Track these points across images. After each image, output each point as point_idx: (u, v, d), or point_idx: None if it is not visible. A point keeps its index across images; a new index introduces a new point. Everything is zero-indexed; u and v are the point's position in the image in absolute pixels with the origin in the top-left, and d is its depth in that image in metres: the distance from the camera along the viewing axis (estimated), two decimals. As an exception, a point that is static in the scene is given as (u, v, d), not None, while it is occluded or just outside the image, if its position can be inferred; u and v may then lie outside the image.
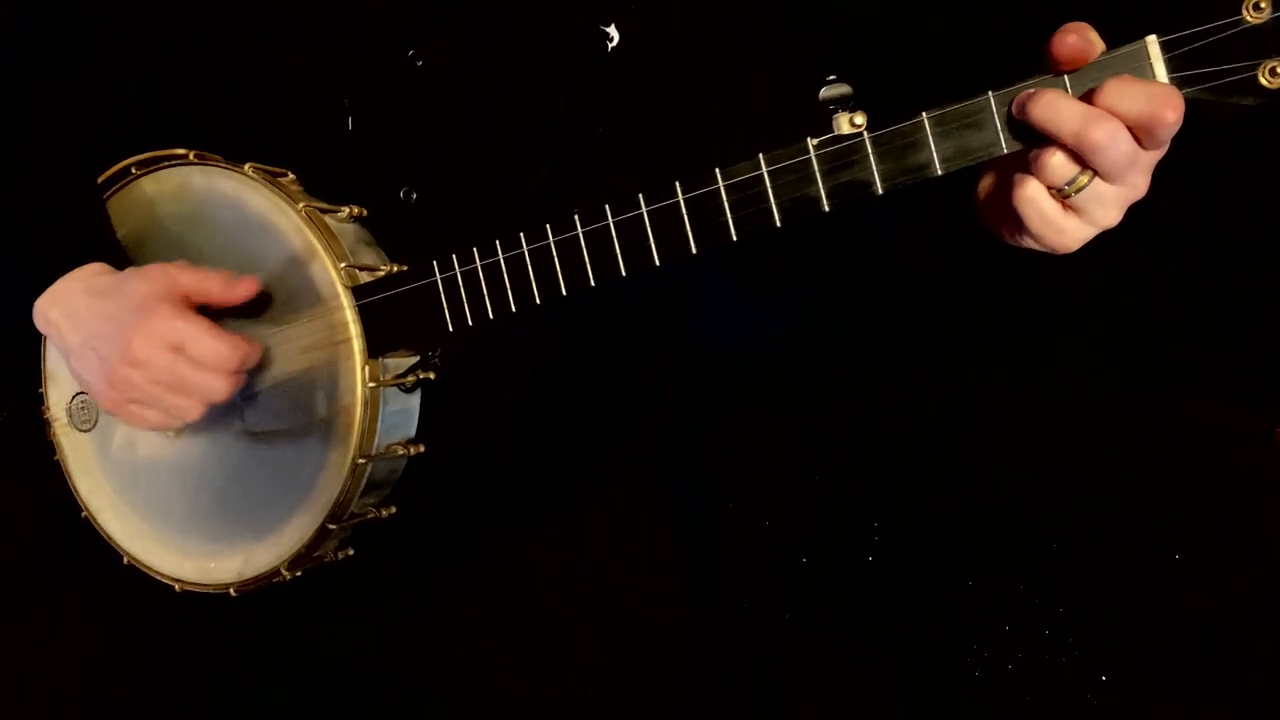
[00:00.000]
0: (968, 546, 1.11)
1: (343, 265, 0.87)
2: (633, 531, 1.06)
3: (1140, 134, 0.63)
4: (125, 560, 0.99)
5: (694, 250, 0.76)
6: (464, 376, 0.93)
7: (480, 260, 0.84)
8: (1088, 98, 0.64)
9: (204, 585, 0.95)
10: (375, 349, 0.88)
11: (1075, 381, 1.09)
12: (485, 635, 1.02)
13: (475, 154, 0.93)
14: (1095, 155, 0.64)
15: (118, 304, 0.86)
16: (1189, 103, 0.63)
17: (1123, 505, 1.07)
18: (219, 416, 0.93)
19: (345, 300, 0.88)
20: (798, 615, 1.15)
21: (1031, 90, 0.65)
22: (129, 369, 0.85)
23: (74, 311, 0.88)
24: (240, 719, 1.05)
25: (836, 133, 0.71)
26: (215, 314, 0.89)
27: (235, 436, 0.93)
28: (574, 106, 0.91)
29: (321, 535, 0.89)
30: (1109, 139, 0.63)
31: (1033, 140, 0.66)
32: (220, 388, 0.86)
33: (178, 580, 0.96)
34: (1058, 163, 0.65)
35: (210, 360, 0.85)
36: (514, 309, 0.83)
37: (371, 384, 0.87)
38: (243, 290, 0.88)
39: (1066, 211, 0.68)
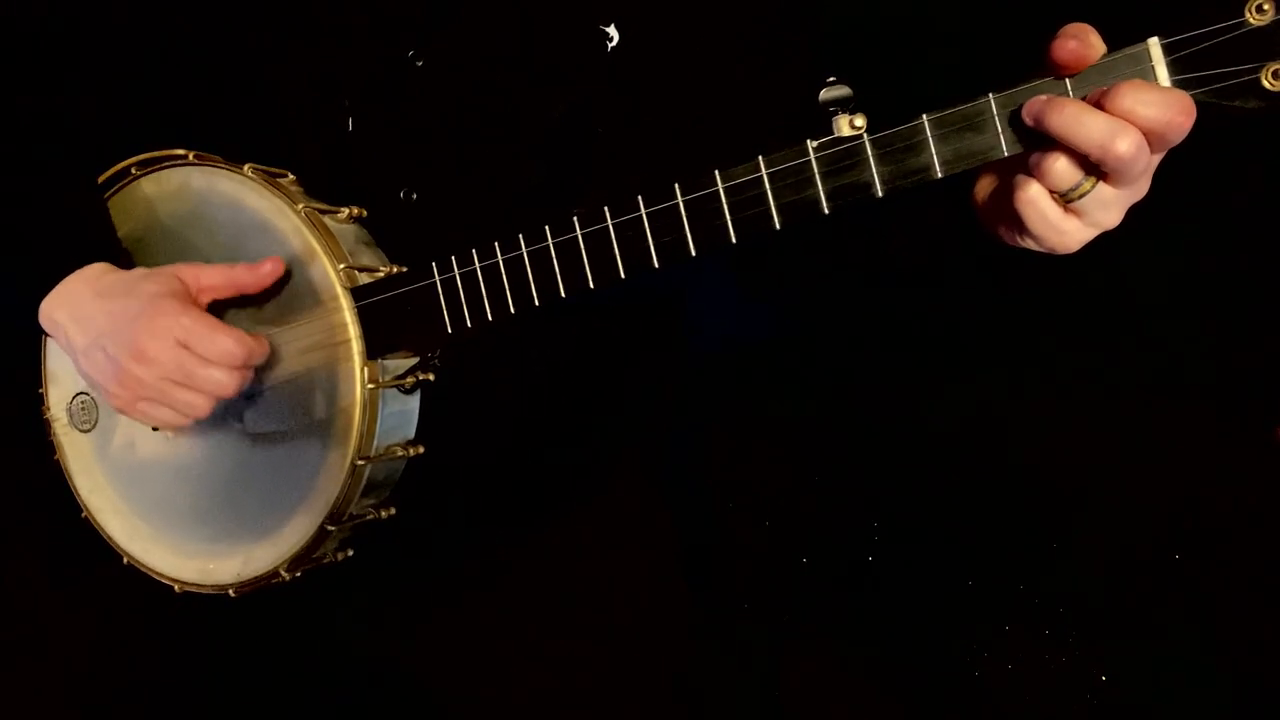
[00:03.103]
0: (967, 547, 1.11)
1: (342, 266, 0.87)
2: (633, 531, 1.05)
3: (1152, 139, 0.62)
4: (125, 561, 0.99)
5: (693, 252, 0.75)
6: (464, 378, 0.93)
7: (479, 262, 0.83)
8: (1096, 100, 0.62)
9: (203, 586, 0.95)
10: (374, 350, 0.88)
11: (1075, 382, 1.09)
12: (485, 636, 1.01)
13: (475, 154, 0.93)
14: (1117, 166, 0.62)
15: (124, 304, 0.86)
16: None
17: (1122, 505, 1.07)
18: (219, 417, 0.93)
19: (344, 301, 0.87)
20: (798, 615, 1.15)
21: (1046, 97, 0.64)
22: (138, 366, 0.85)
23: (81, 312, 0.88)
24: (240, 719, 1.05)
25: (836, 134, 0.70)
26: (218, 314, 0.89)
27: (235, 437, 0.93)
28: (573, 107, 0.91)
29: (320, 536, 0.89)
30: (1135, 151, 0.61)
31: (1034, 142, 0.65)
32: (227, 382, 0.86)
33: (177, 581, 0.96)
34: (1062, 168, 0.64)
35: (216, 355, 0.85)
36: (513, 311, 0.83)
37: (370, 385, 0.87)
38: (247, 278, 0.88)
39: (1068, 214, 0.67)
